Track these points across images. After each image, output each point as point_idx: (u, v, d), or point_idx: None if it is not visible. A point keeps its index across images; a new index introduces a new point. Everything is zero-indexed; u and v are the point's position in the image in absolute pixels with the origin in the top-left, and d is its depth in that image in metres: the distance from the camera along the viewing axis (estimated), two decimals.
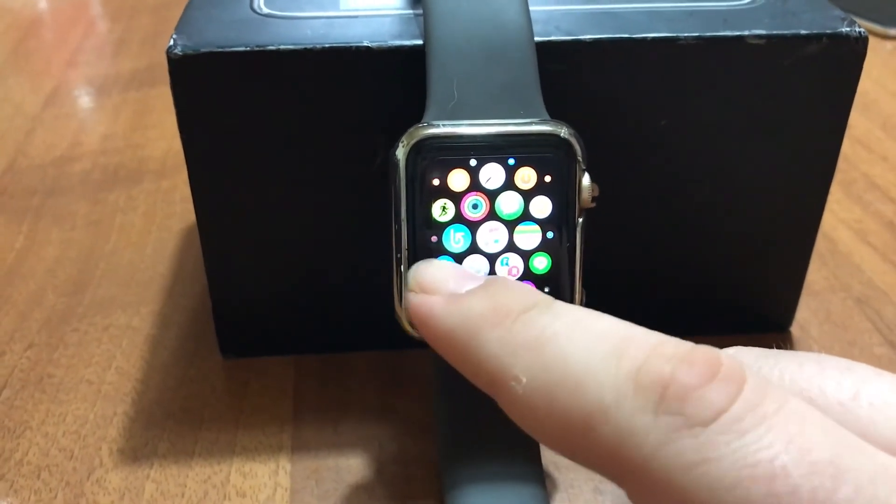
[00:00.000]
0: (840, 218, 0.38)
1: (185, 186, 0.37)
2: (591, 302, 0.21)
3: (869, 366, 0.17)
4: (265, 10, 0.26)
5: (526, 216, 0.22)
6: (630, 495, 0.16)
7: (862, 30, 0.25)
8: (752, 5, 0.27)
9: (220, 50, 0.24)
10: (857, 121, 0.45)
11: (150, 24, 0.58)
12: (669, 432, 0.14)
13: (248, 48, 0.24)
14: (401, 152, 0.22)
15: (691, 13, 0.26)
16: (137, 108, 0.48)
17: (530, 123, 0.22)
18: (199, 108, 0.25)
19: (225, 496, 0.25)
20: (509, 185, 0.22)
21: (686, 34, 0.25)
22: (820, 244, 0.35)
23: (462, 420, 0.23)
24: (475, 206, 0.22)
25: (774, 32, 0.25)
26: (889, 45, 0.54)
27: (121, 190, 0.41)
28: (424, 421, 0.28)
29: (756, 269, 0.30)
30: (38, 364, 0.30)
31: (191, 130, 0.26)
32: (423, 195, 0.22)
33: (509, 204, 0.22)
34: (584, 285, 0.23)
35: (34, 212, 0.39)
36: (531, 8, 0.24)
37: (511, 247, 0.22)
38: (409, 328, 0.22)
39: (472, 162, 0.22)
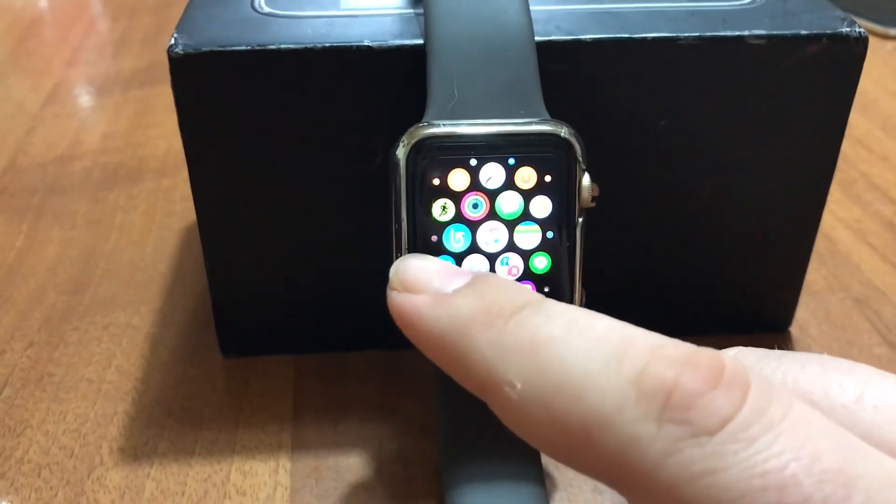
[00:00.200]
0: (839, 218, 0.38)
1: (185, 185, 0.37)
2: (591, 302, 0.21)
3: (872, 367, 0.16)
4: (266, 10, 0.26)
5: (526, 216, 0.22)
6: None
7: (862, 30, 0.25)
8: (753, 5, 0.27)
9: (221, 49, 0.24)
10: (857, 121, 0.45)
11: (151, 23, 0.58)
12: (674, 441, 0.14)
13: (249, 47, 0.24)
14: (401, 152, 0.22)
15: (692, 13, 0.26)
16: (138, 107, 0.48)
17: (530, 123, 0.22)
18: (200, 107, 0.25)
19: (225, 495, 0.25)
20: (509, 184, 0.22)
21: (686, 34, 0.25)
22: (819, 244, 0.35)
23: (462, 419, 0.23)
24: (475, 206, 0.22)
25: (774, 32, 0.25)
26: (889, 45, 0.54)
27: (121, 189, 0.41)
28: (424, 420, 0.28)
29: (755, 268, 0.30)
30: (38, 363, 0.30)
31: (191, 129, 0.26)
32: (424, 195, 0.22)
33: (509, 204, 0.22)
34: (583, 285, 0.23)
35: (35, 211, 0.39)
36: (532, 7, 0.24)
37: (511, 246, 0.22)
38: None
39: (473, 161, 0.22)
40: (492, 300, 0.17)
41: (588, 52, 0.25)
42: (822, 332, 0.32)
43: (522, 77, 0.23)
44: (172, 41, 0.24)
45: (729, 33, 0.25)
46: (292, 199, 0.27)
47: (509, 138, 0.22)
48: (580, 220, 0.22)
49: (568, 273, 0.23)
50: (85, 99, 0.50)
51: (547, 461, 0.25)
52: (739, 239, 0.29)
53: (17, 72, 0.52)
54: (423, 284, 0.19)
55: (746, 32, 0.25)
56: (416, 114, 0.23)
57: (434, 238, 0.22)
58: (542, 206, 0.22)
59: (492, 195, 0.22)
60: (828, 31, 0.25)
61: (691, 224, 0.29)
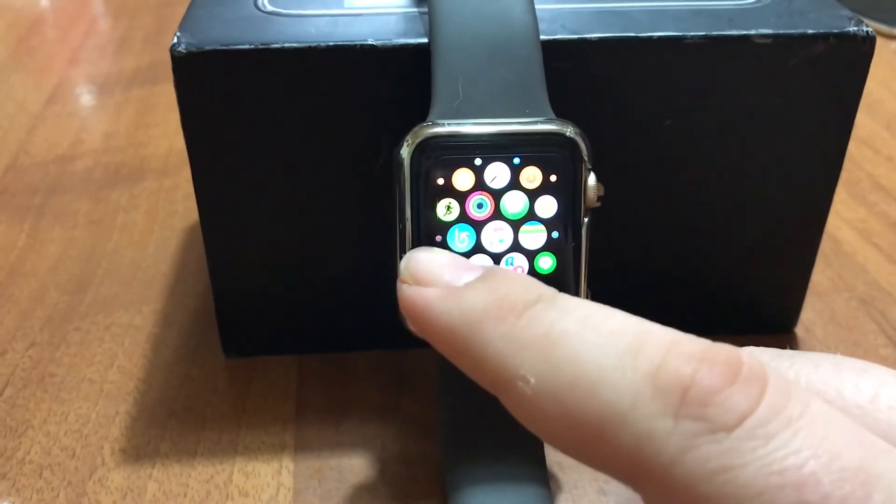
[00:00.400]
0: (844, 218, 0.38)
1: (187, 185, 0.37)
2: (596, 302, 0.21)
3: (886, 368, 0.16)
4: (269, 8, 0.26)
5: (531, 216, 0.22)
6: (647, 501, 0.15)
7: (869, 29, 0.25)
8: (759, 4, 0.26)
9: (223, 48, 0.24)
10: (862, 121, 0.45)
11: (153, 22, 0.58)
12: (691, 438, 0.14)
13: (252, 46, 0.24)
14: (405, 151, 0.21)
15: (697, 12, 0.26)
16: (140, 106, 0.48)
17: (536, 122, 0.22)
18: (203, 106, 0.25)
19: (227, 496, 0.25)
20: (514, 184, 0.22)
21: (692, 33, 0.25)
22: (824, 244, 0.35)
23: (465, 420, 0.22)
24: (480, 206, 0.22)
25: (781, 32, 0.25)
26: (894, 44, 0.54)
27: (123, 188, 0.40)
28: (427, 421, 0.28)
29: (760, 269, 0.30)
30: (39, 363, 0.30)
31: (194, 128, 0.25)
32: (428, 194, 0.22)
33: (514, 203, 0.22)
34: (588, 285, 0.23)
35: (36, 210, 0.39)
36: (537, 6, 0.23)
37: (516, 246, 0.22)
38: (412, 327, 0.21)
39: (477, 161, 0.22)
40: (504, 294, 0.17)
41: (593, 51, 0.25)
42: (827, 333, 0.31)
43: (527, 76, 0.22)
44: (175, 40, 0.24)
45: (735, 32, 0.25)
46: (295, 198, 0.27)
47: (514, 138, 0.22)
48: (586, 220, 0.22)
49: (573, 273, 0.22)
50: (86, 98, 0.50)
51: (551, 462, 0.25)
52: (744, 239, 0.29)
53: (18, 71, 0.52)
54: (434, 277, 0.19)
55: (753, 31, 0.25)
56: (421, 113, 0.22)
57: (438, 238, 0.22)
58: (547, 206, 0.22)
59: (496, 195, 0.22)
60: (835, 31, 0.25)
61: (696, 224, 0.28)
